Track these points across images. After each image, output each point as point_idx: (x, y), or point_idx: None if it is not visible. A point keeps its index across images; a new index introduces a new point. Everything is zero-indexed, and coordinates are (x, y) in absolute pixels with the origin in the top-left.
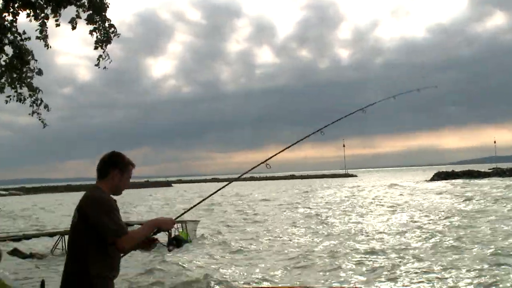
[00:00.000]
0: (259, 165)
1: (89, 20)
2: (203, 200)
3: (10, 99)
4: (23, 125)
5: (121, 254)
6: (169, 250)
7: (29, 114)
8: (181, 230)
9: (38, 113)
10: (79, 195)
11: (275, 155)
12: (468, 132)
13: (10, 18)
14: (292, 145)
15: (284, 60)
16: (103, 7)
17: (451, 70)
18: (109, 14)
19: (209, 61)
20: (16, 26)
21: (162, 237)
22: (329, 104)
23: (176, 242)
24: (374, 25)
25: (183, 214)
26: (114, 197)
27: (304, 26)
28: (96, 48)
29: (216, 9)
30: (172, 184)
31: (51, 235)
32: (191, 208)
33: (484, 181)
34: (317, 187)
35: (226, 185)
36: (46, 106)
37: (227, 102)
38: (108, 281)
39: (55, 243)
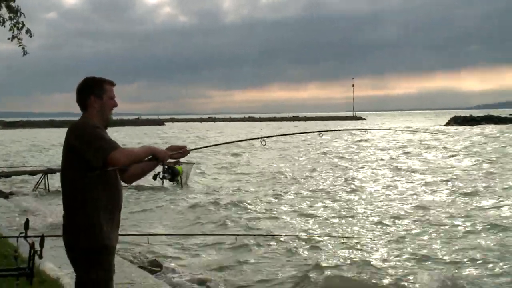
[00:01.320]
0: (254, 139)
1: None
2: (198, 148)
3: None
4: (2, 52)
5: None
6: (160, 178)
7: (8, 38)
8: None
9: (19, 39)
10: (63, 131)
11: (272, 136)
12: (487, 75)
13: None
14: (289, 134)
15: None
16: None
17: (476, 6)
18: None
19: None
20: None
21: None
22: (340, 40)
23: (172, 173)
24: None
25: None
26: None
27: None
28: None
29: None
30: (165, 123)
31: (32, 173)
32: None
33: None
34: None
35: (223, 144)
36: (28, 31)
37: (228, 35)
38: (110, 226)
39: (37, 182)
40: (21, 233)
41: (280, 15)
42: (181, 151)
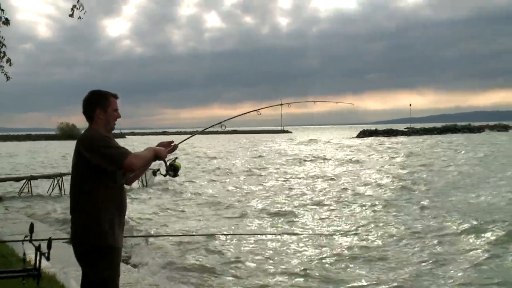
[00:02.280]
0: (216, 124)
1: None
2: (179, 142)
3: None
4: None
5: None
6: (163, 175)
7: None
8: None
9: (1, 66)
10: (39, 143)
11: (230, 118)
12: (387, 96)
13: None
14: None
15: (230, 25)
16: None
17: (376, 42)
18: None
19: (161, 24)
20: None
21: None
22: (270, 68)
23: (174, 169)
24: None
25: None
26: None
27: None
28: None
29: None
30: (126, 136)
31: (17, 179)
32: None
33: (403, 138)
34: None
35: (190, 136)
36: (8, 60)
37: (178, 64)
38: (117, 228)
39: (21, 188)
40: (26, 236)
41: (221, 48)
42: (172, 146)
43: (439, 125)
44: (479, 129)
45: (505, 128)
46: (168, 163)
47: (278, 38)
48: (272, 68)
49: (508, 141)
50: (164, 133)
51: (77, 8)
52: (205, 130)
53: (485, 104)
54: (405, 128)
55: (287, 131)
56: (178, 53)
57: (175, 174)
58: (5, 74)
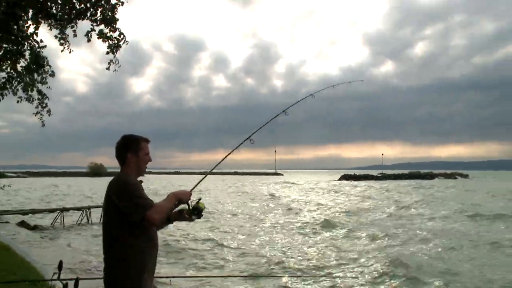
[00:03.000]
0: (222, 160)
1: (100, 35)
2: (195, 186)
3: (22, 99)
4: (31, 123)
5: (155, 229)
6: (192, 220)
7: (33, 113)
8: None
9: (41, 114)
10: (71, 179)
11: (232, 151)
12: (363, 147)
13: (33, 28)
14: (236, 148)
15: (234, 85)
16: (114, 20)
17: (355, 101)
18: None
19: (177, 83)
20: (36, 33)
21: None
22: (266, 121)
23: (197, 212)
24: (303, 62)
25: (193, 189)
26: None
27: (250, 61)
28: (108, 53)
29: (186, 43)
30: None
31: (51, 211)
32: (194, 187)
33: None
34: (255, 181)
35: (204, 178)
36: (48, 111)
37: (189, 115)
38: (145, 272)
39: (55, 218)
40: (55, 272)
41: (224, 103)
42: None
43: (406, 171)
44: (434, 176)
45: (462, 176)
46: (191, 206)
47: (274, 96)
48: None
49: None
50: (176, 172)
51: (113, 63)
52: (213, 168)
53: (441, 155)
54: (378, 174)
55: (279, 173)
56: (190, 107)
57: (199, 217)
58: (42, 121)
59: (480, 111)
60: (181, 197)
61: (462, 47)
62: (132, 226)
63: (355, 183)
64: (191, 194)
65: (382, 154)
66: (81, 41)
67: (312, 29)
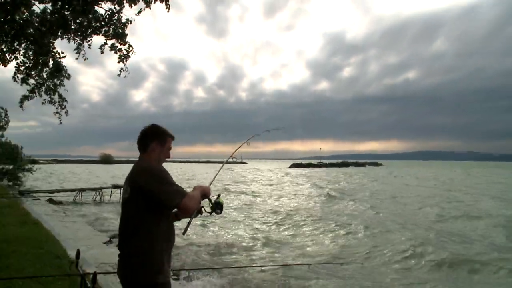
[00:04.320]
0: (226, 161)
1: (112, 47)
2: (216, 175)
3: (46, 101)
4: (57, 123)
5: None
6: (217, 213)
7: (53, 113)
8: (216, 197)
9: (59, 114)
10: (87, 166)
11: (236, 150)
12: (306, 142)
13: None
14: (238, 148)
15: (209, 96)
16: (123, 35)
17: (300, 108)
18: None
19: (167, 94)
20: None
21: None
22: (235, 122)
23: (220, 207)
24: (262, 80)
25: (211, 183)
26: None
27: (222, 78)
28: (119, 62)
29: (174, 64)
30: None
31: (72, 190)
32: (212, 180)
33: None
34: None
35: (222, 166)
36: (66, 112)
37: (176, 119)
38: (166, 263)
39: (75, 196)
40: (72, 262)
41: (202, 109)
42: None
43: (339, 161)
44: (363, 164)
45: (377, 164)
46: (213, 201)
47: (240, 104)
48: (235, 122)
49: (379, 171)
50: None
51: (123, 70)
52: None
53: (361, 149)
54: (318, 162)
55: (244, 162)
56: (176, 112)
57: (221, 211)
58: (60, 119)
59: (387, 117)
60: (206, 191)
61: (376, 72)
62: (156, 215)
63: (301, 170)
64: (210, 189)
65: (320, 148)
66: (95, 62)
67: (269, 56)
